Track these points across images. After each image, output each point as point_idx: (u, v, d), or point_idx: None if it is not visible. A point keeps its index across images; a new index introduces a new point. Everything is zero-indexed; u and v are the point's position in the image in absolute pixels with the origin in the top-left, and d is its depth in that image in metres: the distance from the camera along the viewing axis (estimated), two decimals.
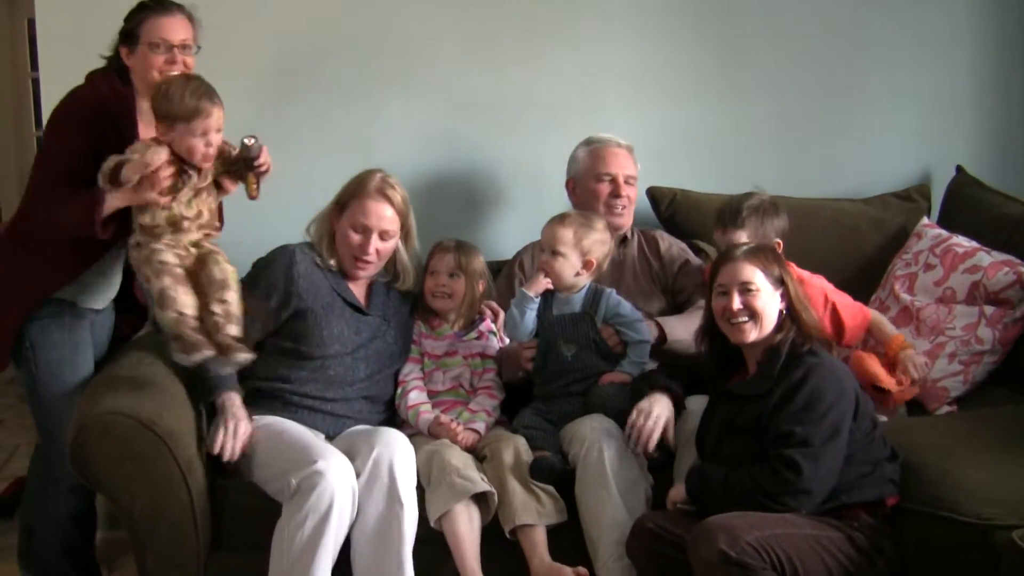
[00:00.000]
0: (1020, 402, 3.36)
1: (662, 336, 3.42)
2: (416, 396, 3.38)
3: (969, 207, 3.97)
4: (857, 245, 3.98)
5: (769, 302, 2.93)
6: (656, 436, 3.05)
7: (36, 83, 4.25)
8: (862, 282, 3.86)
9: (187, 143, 3.01)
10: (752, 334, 2.93)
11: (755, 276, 2.93)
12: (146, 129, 3.17)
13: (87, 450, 2.95)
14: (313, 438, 3.14)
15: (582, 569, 2.94)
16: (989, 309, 3.46)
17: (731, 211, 3.48)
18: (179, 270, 3.03)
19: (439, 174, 4.12)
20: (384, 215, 3.34)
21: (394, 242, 3.39)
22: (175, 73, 3.13)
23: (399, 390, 3.41)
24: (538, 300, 3.34)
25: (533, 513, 3.02)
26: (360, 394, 3.35)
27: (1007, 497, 2.68)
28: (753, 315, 2.92)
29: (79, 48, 3.68)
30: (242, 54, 3.94)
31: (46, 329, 3.27)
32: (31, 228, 3.20)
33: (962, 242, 3.66)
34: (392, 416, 3.40)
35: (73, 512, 3.39)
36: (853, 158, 4.33)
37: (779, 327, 2.94)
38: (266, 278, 3.33)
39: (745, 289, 2.92)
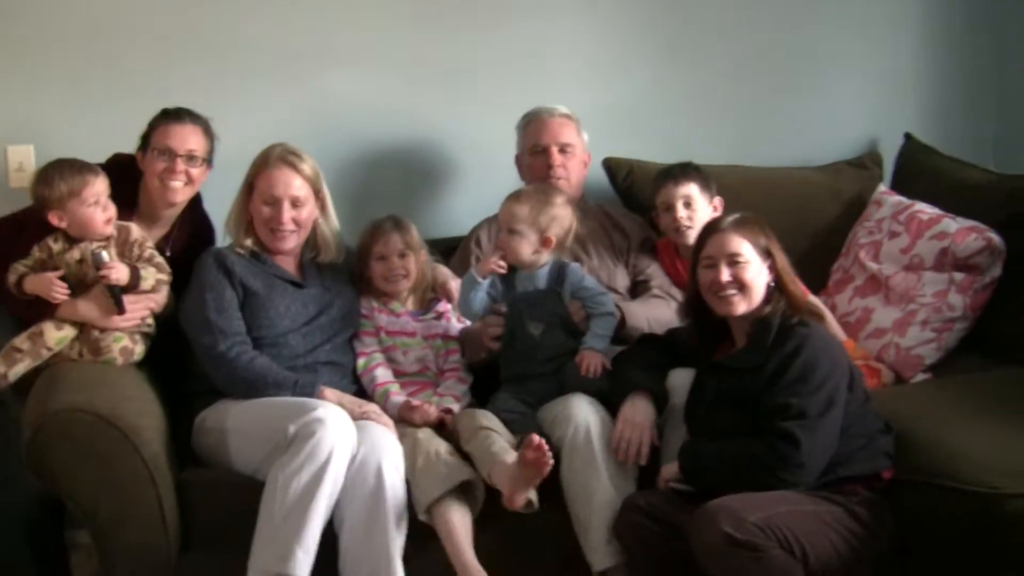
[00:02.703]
0: (992, 368, 3.34)
1: (621, 320, 3.34)
2: (383, 374, 3.27)
3: (924, 174, 3.96)
4: (813, 214, 3.94)
5: (758, 274, 2.87)
6: (646, 448, 2.96)
7: None
8: (820, 251, 3.84)
9: (84, 215, 3.09)
10: (741, 307, 2.86)
11: (743, 247, 2.87)
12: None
13: (46, 451, 2.80)
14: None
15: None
16: (958, 275, 3.43)
17: (679, 166, 3.55)
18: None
19: (384, 147, 4.00)
20: (291, 182, 3.24)
21: (309, 210, 3.28)
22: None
23: (361, 361, 3.30)
24: (486, 282, 3.23)
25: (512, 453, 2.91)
26: (324, 359, 3.24)
27: (1014, 466, 2.66)
28: (742, 287, 2.85)
29: None
30: (183, 28, 3.80)
31: None
32: None
33: (925, 209, 3.63)
34: (362, 388, 3.28)
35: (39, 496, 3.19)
36: (800, 126, 4.30)
37: (767, 299, 2.88)
38: (206, 282, 3.19)
39: (733, 261, 2.86)
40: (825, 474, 2.72)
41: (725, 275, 2.85)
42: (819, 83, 4.31)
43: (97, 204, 3.10)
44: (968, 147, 4.19)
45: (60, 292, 3.04)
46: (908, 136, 4.17)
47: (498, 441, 2.95)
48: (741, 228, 2.90)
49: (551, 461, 2.77)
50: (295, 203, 3.24)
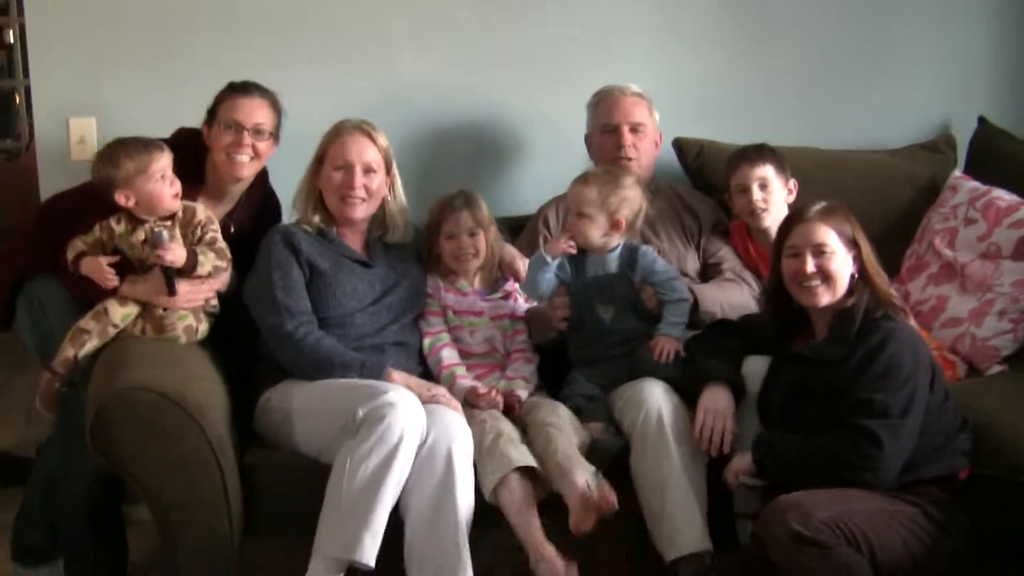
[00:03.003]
0: None
1: (694, 304, 3.27)
2: (449, 355, 3.21)
3: (998, 158, 3.87)
4: (885, 197, 3.85)
5: (843, 265, 2.79)
6: (729, 436, 2.88)
7: None
8: (892, 236, 3.71)
9: (152, 190, 3.02)
10: (825, 298, 2.79)
11: (829, 237, 2.79)
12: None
13: (111, 431, 2.72)
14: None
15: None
16: None
17: (754, 147, 3.47)
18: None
19: (452, 125, 3.93)
20: (365, 149, 3.19)
21: (380, 181, 3.21)
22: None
23: (427, 341, 3.24)
24: (555, 263, 3.16)
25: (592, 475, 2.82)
26: (391, 339, 3.18)
27: None
28: (826, 278, 2.78)
29: None
30: (251, 3, 3.75)
31: (53, 284, 3.14)
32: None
33: (1003, 195, 3.54)
34: (428, 369, 3.23)
35: (99, 472, 3.12)
36: (871, 110, 4.23)
37: (850, 290, 2.80)
38: (272, 260, 3.13)
39: (819, 251, 2.78)
40: (902, 475, 2.65)
41: (810, 265, 2.78)
42: (891, 66, 4.22)
43: (164, 179, 3.03)
44: None
45: (110, 280, 2.98)
46: (982, 120, 4.07)
47: (562, 448, 2.86)
48: (827, 217, 2.82)
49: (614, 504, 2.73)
50: (367, 169, 3.17)
